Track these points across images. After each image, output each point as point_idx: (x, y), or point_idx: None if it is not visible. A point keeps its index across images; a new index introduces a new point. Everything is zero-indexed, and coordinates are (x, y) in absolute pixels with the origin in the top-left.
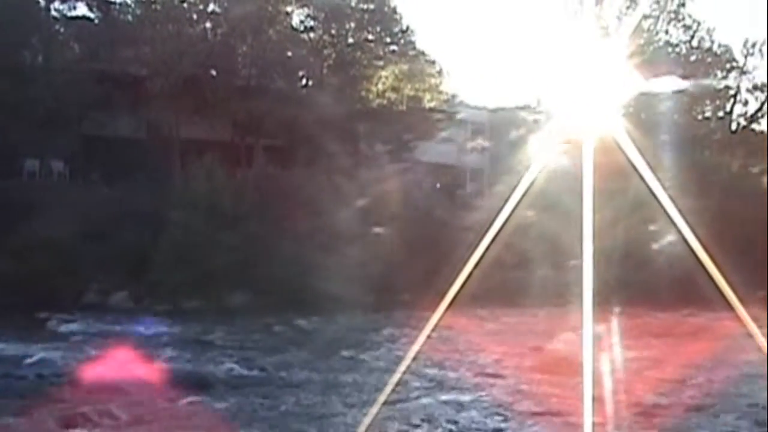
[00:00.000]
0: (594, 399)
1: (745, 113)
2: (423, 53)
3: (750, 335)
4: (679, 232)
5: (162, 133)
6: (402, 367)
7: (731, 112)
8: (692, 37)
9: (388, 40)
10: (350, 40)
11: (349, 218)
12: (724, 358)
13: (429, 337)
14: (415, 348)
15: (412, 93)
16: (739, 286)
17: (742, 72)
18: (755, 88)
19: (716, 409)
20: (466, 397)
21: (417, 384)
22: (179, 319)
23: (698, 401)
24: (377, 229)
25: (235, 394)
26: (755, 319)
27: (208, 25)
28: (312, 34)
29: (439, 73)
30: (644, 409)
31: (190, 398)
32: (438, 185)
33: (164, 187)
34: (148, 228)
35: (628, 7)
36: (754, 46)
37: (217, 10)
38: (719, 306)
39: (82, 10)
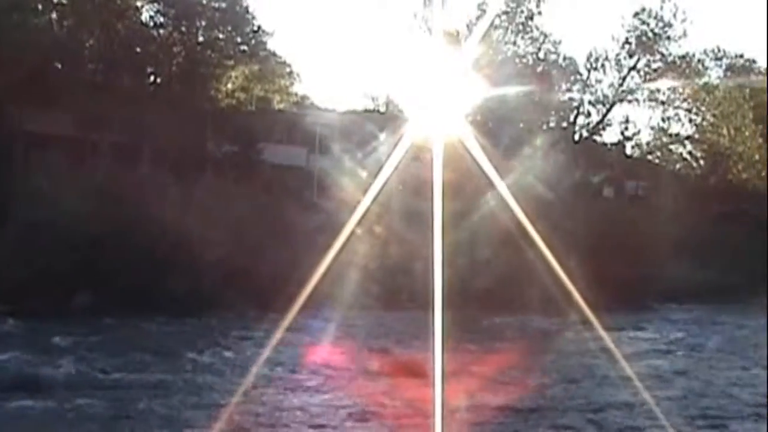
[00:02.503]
0: (436, 400)
1: (588, 125)
2: (274, 54)
3: (595, 339)
4: (525, 237)
5: (3, 126)
6: (248, 369)
7: (574, 123)
8: (539, 49)
9: (239, 39)
10: (200, 39)
11: (194, 220)
12: (561, 360)
13: (277, 339)
14: (262, 350)
15: (261, 94)
16: (581, 289)
17: (586, 85)
18: (597, 101)
19: (552, 411)
20: (313, 399)
21: (263, 386)
22: (19, 320)
23: (532, 402)
24: (222, 231)
25: (73, 396)
26: (601, 323)
27: (54, 16)
28: (162, 31)
29: (290, 74)
30: (479, 410)
31: (24, 401)
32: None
33: (5, 182)
34: None
35: (477, 18)
36: (597, 60)
37: (64, 1)
38: (562, 310)
39: None
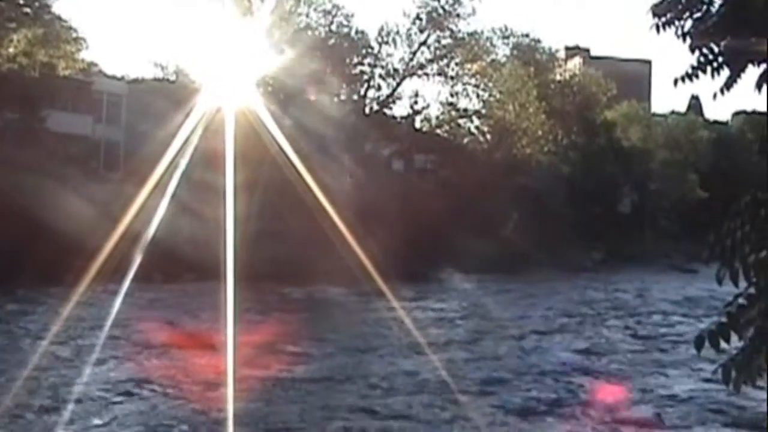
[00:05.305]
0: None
1: (378, 98)
2: (59, 18)
3: (384, 308)
4: (316, 208)
5: None
6: (29, 346)
7: (365, 96)
8: (331, 21)
9: (22, 1)
10: None
11: None
12: (349, 329)
13: (60, 314)
14: (44, 325)
15: (45, 59)
16: (371, 260)
17: (376, 58)
18: (388, 74)
19: (336, 380)
20: (99, 373)
21: (45, 363)
22: None
23: (317, 372)
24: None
25: None
26: (391, 293)
27: None
28: None
29: (76, 40)
30: (262, 381)
31: None
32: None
33: None
34: None
35: None
36: (388, 34)
37: None
38: (353, 280)
39: None
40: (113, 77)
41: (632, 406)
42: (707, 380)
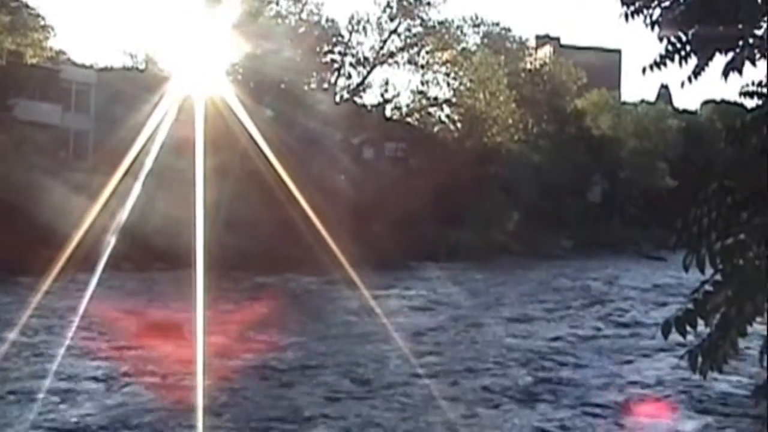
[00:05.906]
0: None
1: (348, 86)
2: (26, 5)
3: (353, 297)
4: (287, 197)
5: None
6: None
7: (335, 84)
8: (301, 10)
9: None
10: None
11: None
12: (320, 317)
13: (30, 304)
14: (13, 315)
15: (13, 47)
16: (342, 248)
17: (347, 47)
18: (358, 63)
19: (309, 367)
20: (68, 364)
21: (12, 353)
22: None
23: (290, 360)
24: None
25: None
26: (360, 281)
27: None
28: None
29: (44, 27)
30: (237, 369)
31: None
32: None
33: None
34: None
35: None
36: (359, 22)
37: None
38: (323, 268)
39: None
40: (82, 66)
41: (602, 391)
42: (676, 366)
